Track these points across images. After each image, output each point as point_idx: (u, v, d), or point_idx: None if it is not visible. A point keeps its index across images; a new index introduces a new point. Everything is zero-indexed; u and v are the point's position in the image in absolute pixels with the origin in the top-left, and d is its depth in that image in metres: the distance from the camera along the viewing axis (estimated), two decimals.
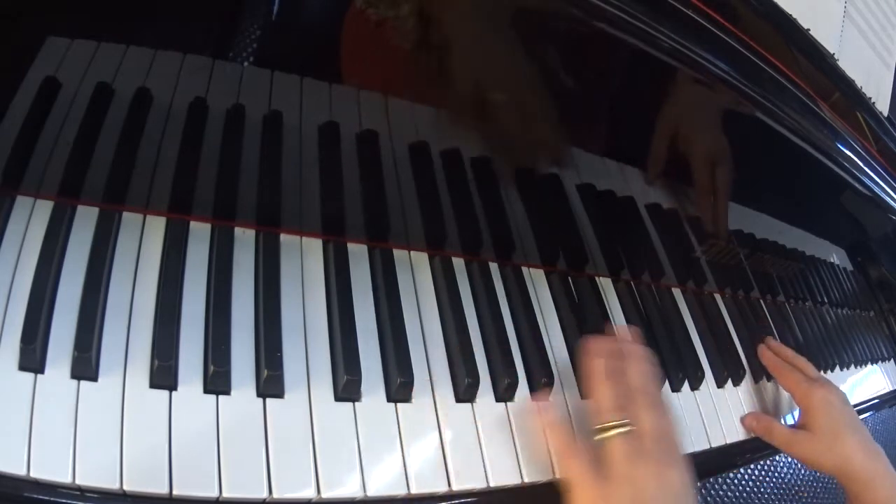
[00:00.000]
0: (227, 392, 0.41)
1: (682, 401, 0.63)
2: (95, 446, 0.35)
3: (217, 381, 0.40)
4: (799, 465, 0.94)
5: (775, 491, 0.91)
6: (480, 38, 0.46)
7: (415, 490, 0.43)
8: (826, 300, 0.97)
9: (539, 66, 0.49)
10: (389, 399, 0.46)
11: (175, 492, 0.36)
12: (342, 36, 0.44)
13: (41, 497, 0.34)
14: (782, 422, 0.70)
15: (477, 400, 0.49)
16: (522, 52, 0.47)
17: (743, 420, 0.66)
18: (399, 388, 0.46)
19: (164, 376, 0.39)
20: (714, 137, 0.60)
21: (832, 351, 0.92)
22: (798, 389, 0.66)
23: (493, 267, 0.58)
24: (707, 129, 0.59)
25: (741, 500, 0.93)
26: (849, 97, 0.66)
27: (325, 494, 0.40)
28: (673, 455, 0.48)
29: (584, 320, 0.60)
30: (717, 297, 0.77)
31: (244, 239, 0.47)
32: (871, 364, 1.01)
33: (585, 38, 0.47)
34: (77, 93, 0.40)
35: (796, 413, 0.74)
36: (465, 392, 0.48)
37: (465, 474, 0.45)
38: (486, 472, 0.46)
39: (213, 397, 0.40)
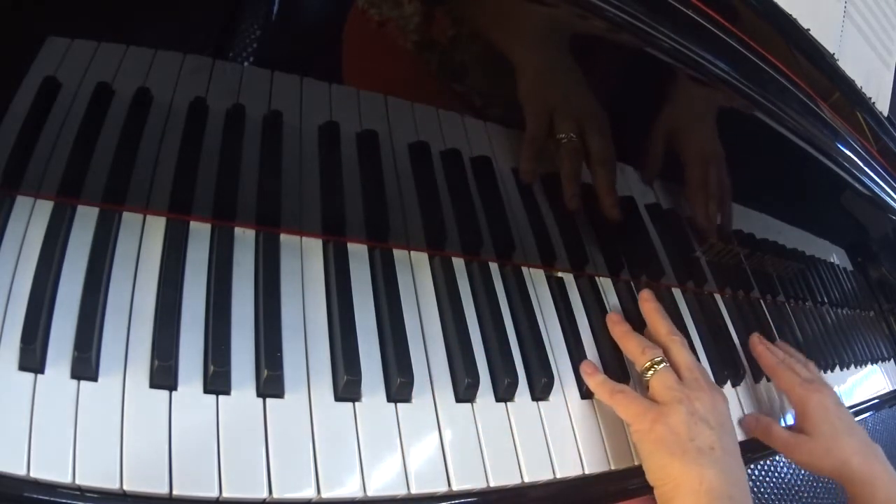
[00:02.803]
0: (227, 392, 0.41)
1: None
2: (95, 446, 0.35)
3: (217, 381, 0.40)
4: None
5: (775, 491, 0.91)
6: (484, 36, 0.46)
7: (415, 490, 0.43)
8: (826, 300, 0.97)
9: (540, 65, 0.49)
10: (389, 399, 0.46)
11: (175, 492, 0.36)
12: (343, 36, 0.44)
13: (41, 497, 0.34)
14: (782, 422, 0.70)
15: (477, 400, 0.49)
16: (524, 52, 0.47)
17: (742, 421, 0.66)
18: (399, 388, 0.46)
19: (164, 376, 0.39)
20: (714, 138, 0.60)
21: (832, 351, 0.92)
22: (793, 393, 0.65)
23: (493, 267, 0.58)
24: (707, 130, 0.59)
25: None
26: (849, 97, 0.65)
27: (325, 494, 0.40)
28: (710, 383, 0.54)
29: (584, 320, 0.60)
30: (717, 297, 0.77)
31: (244, 239, 0.47)
32: (871, 364, 1.01)
33: (585, 38, 0.47)
34: (77, 93, 0.40)
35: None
36: (465, 392, 0.48)
37: (464, 474, 0.45)
38: (486, 472, 0.46)
39: (213, 397, 0.40)
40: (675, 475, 0.48)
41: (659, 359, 0.54)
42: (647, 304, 0.61)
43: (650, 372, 0.53)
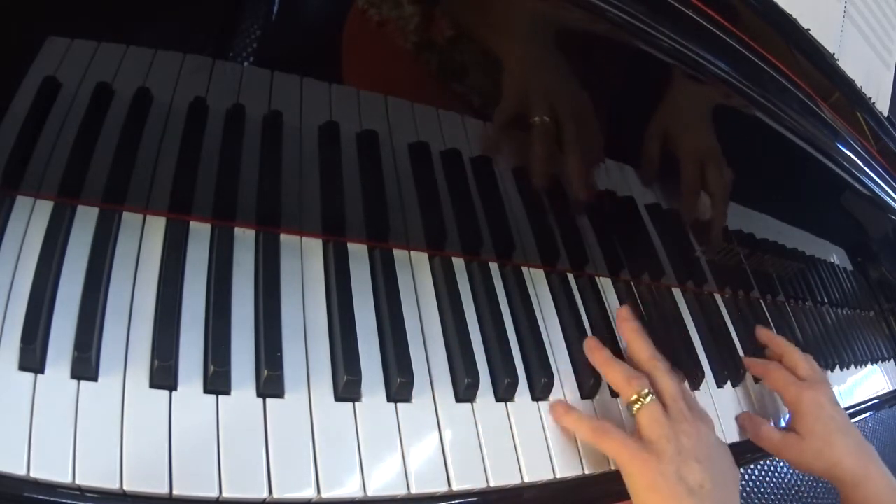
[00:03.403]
0: (227, 392, 0.41)
1: None
2: (95, 446, 0.35)
3: (217, 381, 0.40)
4: None
5: (775, 491, 0.91)
6: (483, 36, 0.46)
7: (415, 490, 0.43)
8: (826, 300, 0.97)
9: (541, 65, 0.49)
10: (389, 399, 0.46)
11: (175, 492, 0.36)
12: (343, 36, 0.44)
13: (41, 497, 0.34)
14: (781, 422, 0.70)
15: (477, 400, 0.49)
16: (523, 52, 0.47)
17: (737, 419, 0.66)
18: (399, 388, 0.46)
19: (164, 376, 0.39)
20: (713, 138, 0.60)
21: (832, 351, 0.92)
22: (787, 392, 0.64)
23: (493, 267, 0.58)
24: (707, 130, 0.59)
25: (741, 500, 0.93)
26: (849, 97, 0.66)
27: (325, 494, 0.40)
28: (697, 411, 0.54)
29: (584, 320, 0.60)
30: (717, 297, 0.77)
31: (244, 239, 0.47)
32: (871, 364, 1.01)
33: (585, 38, 0.47)
34: (77, 93, 0.40)
35: None
36: (465, 392, 0.48)
37: (465, 474, 0.45)
38: (486, 472, 0.46)
39: (213, 397, 0.40)
40: None
41: (646, 391, 0.52)
42: (626, 324, 0.58)
43: (637, 406, 0.52)
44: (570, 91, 0.51)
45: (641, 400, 0.51)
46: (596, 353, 0.56)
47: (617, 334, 0.61)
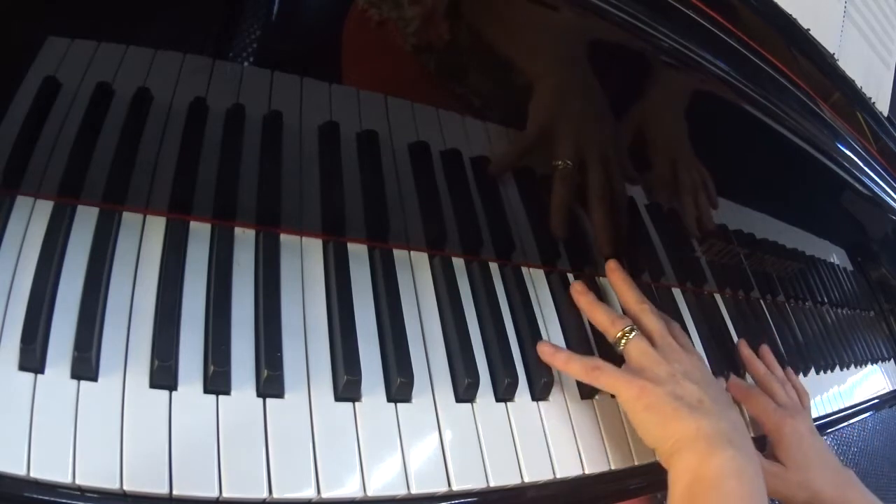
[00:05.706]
0: (227, 392, 0.41)
1: None
2: (95, 446, 0.35)
3: (217, 381, 0.40)
4: None
5: None
6: (483, 38, 0.46)
7: (415, 490, 0.43)
8: (826, 300, 0.97)
9: (541, 66, 0.49)
10: (389, 399, 0.46)
11: (175, 492, 0.36)
12: (343, 36, 0.44)
13: (41, 497, 0.34)
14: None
15: (477, 400, 0.49)
16: (523, 53, 0.47)
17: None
18: (399, 388, 0.46)
19: (164, 376, 0.39)
20: (713, 139, 0.60)
21: (832, 351, 0.92)
22: (768, 420, 0.64)
23: (493, 267, 0.58)
24: (706, 130, 0.59)
25: None
26: (849, 97, 0.66)
27: (325, 494, 0.40)
28: (684, 345, 0.55)
29: (584, 320, 0.60)
30: (717, 297, 0.77)
31: (244, 239, 0.47)
32: (871, 364, 1.01)
33: (584, 38, 0.47)
34: (77, 93, 0.40)
35: None
36: (465, 392, 0.49)
37: (465, 474, 0.45)
38: (486, 472, 0.46)
39: (213, 397, 0.40)
40: (671, 433, 0.48)
41: (629, 328, 0.53)
42: (615, 273, 0.60)
43: (623, 341, 0.53)
44: (572, 93, 0.51)
45: (627, 336, 0.53)
46: (582, 296, 0.58)
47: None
